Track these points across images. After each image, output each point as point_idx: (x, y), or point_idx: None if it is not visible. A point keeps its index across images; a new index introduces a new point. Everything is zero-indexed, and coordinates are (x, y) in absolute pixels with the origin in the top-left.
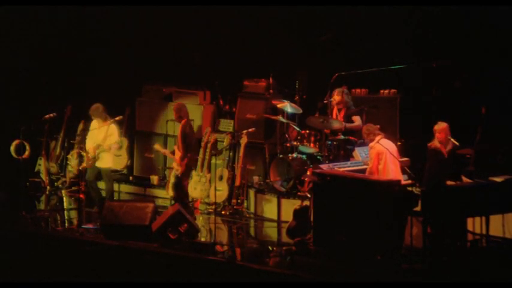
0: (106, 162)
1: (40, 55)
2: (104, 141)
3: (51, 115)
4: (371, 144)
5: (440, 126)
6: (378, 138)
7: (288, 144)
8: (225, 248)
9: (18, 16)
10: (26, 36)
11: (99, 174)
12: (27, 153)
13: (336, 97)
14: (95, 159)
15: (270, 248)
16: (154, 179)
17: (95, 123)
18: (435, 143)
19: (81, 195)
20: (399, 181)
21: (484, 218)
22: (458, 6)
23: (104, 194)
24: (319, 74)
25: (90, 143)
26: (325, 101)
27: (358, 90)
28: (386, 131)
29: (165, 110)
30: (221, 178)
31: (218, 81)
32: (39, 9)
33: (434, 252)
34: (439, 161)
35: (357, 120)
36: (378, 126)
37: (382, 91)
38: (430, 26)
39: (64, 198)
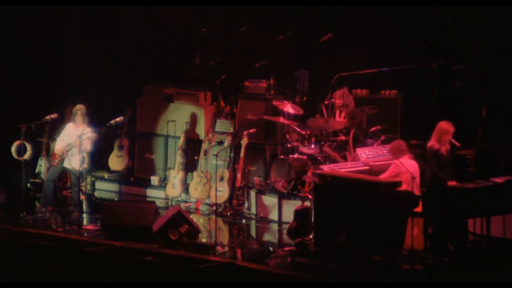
0: (76, 162)
1: (41, 55)
2: (75, 141)
3: (52, 116)
4: (396, 161)
5: (452, 126)
6: (405, 157)
7: (288, 145)
8: (226, 248)
9: (18, 16)
10: (26, 36)
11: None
12: (28, 154)
13: (338, 101)
14: (62, 158)
15: (270, 248)
16: (155, 179)
17: (70, 126)
18: (435, 144)
19: (82, 196)
20: (400, 182)
21: (484, 219)
22: (458, 6)
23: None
24: (319, 74)
25: (60, 143)
26: (326, 102)
27: (359, 91)
28: (387, 132)
29: (165, 111)
30: (222, 179)
31: (219, 82)
32: (38, 8)
33: (435, 253)
34: (440, 162)
35: None
36: (403, 143)
37: (383, 92)
38: (431, 26)
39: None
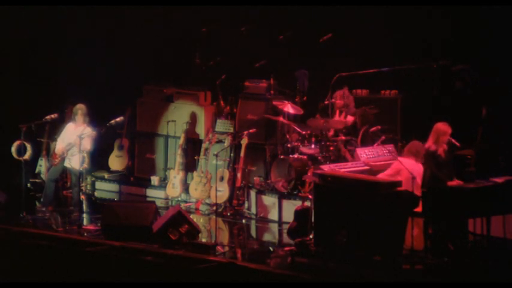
0: (76, 162)
1: (41, 55)
2: (76, 141)
3: (52, 116)
4: (400, 159)
5: (449, 128)
6: (411, 159)
7: (288, 145)
8: (226, 248)
9: (19, 16)
10: (27, 36)
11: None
12: (28, 154)
13: (339, 101)
14: (62, 157)
15: (270, 248)
16: (155, 179)
17: (70, 126)
18: (432, 145)
19: (82, 196)
20: (400, 182)
21: (484, 219)
22: (458, 6)
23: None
24: (319, 74)
25: (60, 143)
26: (326, 102)
27: (359, 91)
28: (387, 132)
29: (165, 111)
30: (222, 179)
31: (219, 82)
32: (38, 8)
33: (435, 253)
34: (437, 163)
35: (351, 121)
36: (421, 146)
37: (383, 92)
38: (431, 26)
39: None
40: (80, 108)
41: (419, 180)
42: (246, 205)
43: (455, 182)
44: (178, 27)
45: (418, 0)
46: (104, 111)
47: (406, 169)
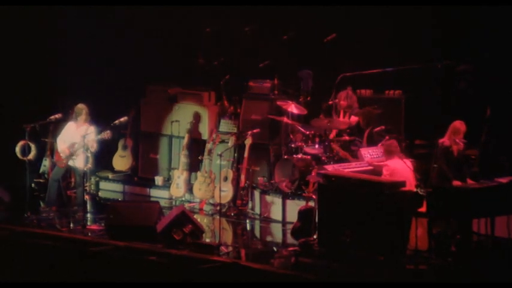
0: (80, 162)
1: (45, 55)
2: (86, 141)
3: (57, 116)
4: (389, 162)
5: (464, 127)
6: (395, 158)
7: (292, 145)
8: (230, 248)
9: (19, 16)
10: (29, 36)
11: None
12: (32, 154)
13: (343, 102)
14: (68, 158)
15: (274, 248)
16: (159, 179)
17: (71, 125)
18: (445, 141)
19: (86, 196)
20: (404, 182)
21: (489, 219)
22: (461, 6)
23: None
24: (323, 74)
25: (62, 144)
26: (330, 102)
27: (363, 91)
28: (391, 132)
29: (169, 111)
30: (226, 179)
31: (223, 82)
32: (41, 9)
33: (439, 253)
34: (449, 160)
35: (355, 121)
36: (392, 143)
37: (387, 92)
38: (435, 26)
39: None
40: (84, 108)
41: (411, 178)
42: (250, 205)
43: (469, 183)
44: (182, 27)
45: (421, 0)
46: (107, 111)
47: (394, 168)
